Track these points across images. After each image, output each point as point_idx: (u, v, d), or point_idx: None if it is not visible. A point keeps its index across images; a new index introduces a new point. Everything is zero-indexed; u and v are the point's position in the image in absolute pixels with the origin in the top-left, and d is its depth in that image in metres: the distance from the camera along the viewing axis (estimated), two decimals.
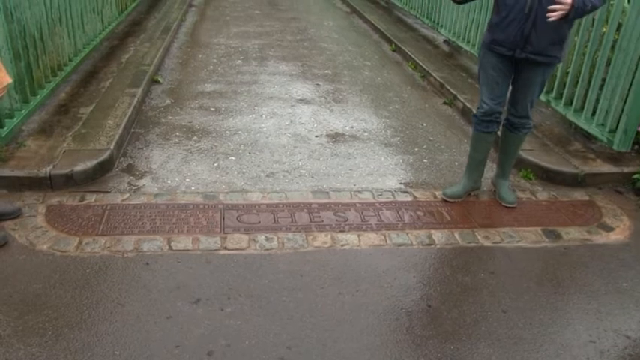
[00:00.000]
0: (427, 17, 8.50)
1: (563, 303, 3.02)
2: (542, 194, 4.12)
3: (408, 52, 7.43)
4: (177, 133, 4.83)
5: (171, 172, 4.16)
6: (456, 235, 3.57)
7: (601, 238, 3.64)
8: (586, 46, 4.74)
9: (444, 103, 5.89)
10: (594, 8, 3.26)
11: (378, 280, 3.11)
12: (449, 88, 5.97)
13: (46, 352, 2.51)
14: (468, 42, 6.91)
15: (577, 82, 4.84)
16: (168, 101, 5.58)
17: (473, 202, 3.96)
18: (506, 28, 3.41)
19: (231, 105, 5.56)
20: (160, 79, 6.12)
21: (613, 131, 4.47)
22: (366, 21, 9.76)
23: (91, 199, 3.74)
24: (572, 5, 3.13)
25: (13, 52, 4.18)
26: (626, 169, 4.29)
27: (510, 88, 3.72)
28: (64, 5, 5.33)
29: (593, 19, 4.62)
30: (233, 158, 4.43)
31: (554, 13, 3.15)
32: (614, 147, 4.46)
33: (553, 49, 3.43)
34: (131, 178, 4.05)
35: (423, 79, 6.68)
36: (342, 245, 3.40)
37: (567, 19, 3.23)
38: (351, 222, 3.63)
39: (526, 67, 3.54)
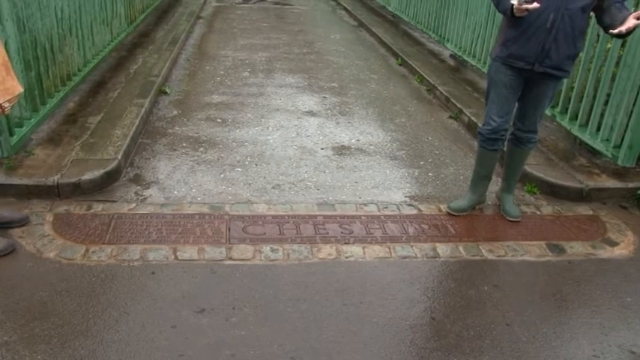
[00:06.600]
0: (433, 31, 8.56)
1: (567, 317, 3.02)
2: (547, 208, 4.13)
3: (414, 66, 7.47)
4: (184, 144, 4.87)
5: (178, 182, 4.19)
6: (461, 248, 3.58)
7: (605, 252, 3.64)
8: (591, 62, 4.77)
9: (450, 117, 5.91)
10: None
11: (382, 292, 3.12)
12: (454, 102, 6.00)
13: (51, 359, 2.53)
14: (474, 56, 6.95)
15: (582, 97, 4.86)
16: (175, 112, 5.63)
17: (478, 216, 3.97)
18: (526, 43, 3.39)
19: (237, 117, 5.60)
20: (167, 90, 6.18)
21: (618, 146, 4.48)
22: (373, 34, 9.82)
23: (98, 208, 3.77)
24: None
25: (24, 62, 4.24)
26: (630, 184, 4.29)
27: (517, 103, 3.73)
28: (75, 17, 5.40)
29: (599, 35, 4.65)
30: (239, 169, 4.46)
31: (626, 26, 3.08)
32: (619, 162, 4.47)
33: (568, 63, 3.44)
34: (138, 187, 4.08)
35: (429, 93, 6.71)
36: (346, 257, 3.41)
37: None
38: (356, 234, 3.64)
39: (539, 82, 3.53)
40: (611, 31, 3.20)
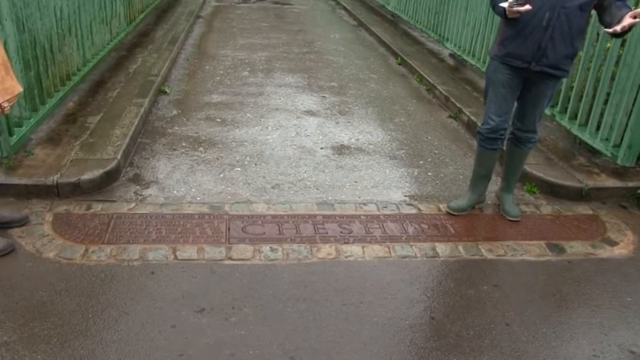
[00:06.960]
0: (433, 31, 8.55)
1: (567, 317, 3.02)
2: (547, 208, 4.13)
3: (414, 66, 7.47)
4: (184, 144, 4.86)
5: (178, 182, 4.19)
6: (460, 247, 3.58)
7: (605, 252, 3.64)
8: (591, 61, 4.77)
9: (449, 116, 5.91)
10: None
11: (381, 291, 3.12)
12: (454, 101, 6.00)
13: (50, 359, 2.52)
14: (474, 56, 6.94)
15: (582, 96, 4.86)
16: (174, 112, 5.63)
17: (477, 216, 3.97)
18: (523, 42, 3.39)
19: (237, 116, 5.60)
20: (167, 90, 6.18)
21: (617, 146, 4.48)
22: (372, 34, 9.82)
23: (98, 207, 3.77)
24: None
25: (24, 61, 4.23)
26: (630, 184, 4.29)
27: (516, 103, 3.73)
28: (74, 16, 5.39)
29: (598, 34, 4.65)
30: (239, 169, 4.46)
31: (621, 25, 3.06)
32: (619, 161, 4.47)
33: (566, 62, 3.44)
34: (137, 187, 4.08)
35: (429, 93, 6.71)
36: (346, 257, 3.41)
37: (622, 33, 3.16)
38: (355, 234, 3.64)
39: (537, 81, 3.53)
40: (605, 29, 3.21)
